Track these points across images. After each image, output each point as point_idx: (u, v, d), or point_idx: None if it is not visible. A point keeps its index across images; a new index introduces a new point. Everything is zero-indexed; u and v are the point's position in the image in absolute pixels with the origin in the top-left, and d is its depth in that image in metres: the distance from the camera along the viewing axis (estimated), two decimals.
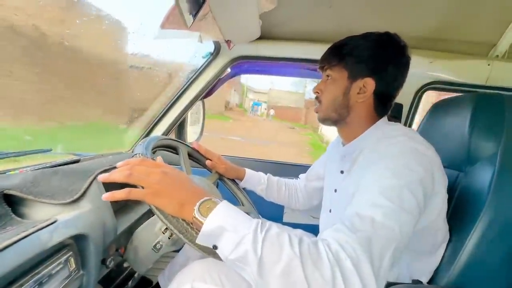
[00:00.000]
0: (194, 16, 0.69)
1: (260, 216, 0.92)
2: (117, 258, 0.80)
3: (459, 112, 0.77)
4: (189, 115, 1.36)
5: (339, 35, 0.77)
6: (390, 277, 0.65)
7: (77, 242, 0.59)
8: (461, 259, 0.62)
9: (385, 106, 0.74)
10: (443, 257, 0.66)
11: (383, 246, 0.48)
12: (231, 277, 0.69)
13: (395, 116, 1.24)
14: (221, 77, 1.28)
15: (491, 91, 1.15)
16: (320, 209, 0.92)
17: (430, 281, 0.67)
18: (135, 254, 0.82)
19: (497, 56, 1.12)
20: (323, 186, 0.92)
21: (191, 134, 1.41)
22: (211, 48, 1.22)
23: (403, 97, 1.25)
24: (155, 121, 1.29)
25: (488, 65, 1.12)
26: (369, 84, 0.70)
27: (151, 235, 0.81)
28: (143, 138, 1.14)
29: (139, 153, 0.62)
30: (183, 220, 0.50)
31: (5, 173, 0.69)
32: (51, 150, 0.91)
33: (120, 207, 0.91)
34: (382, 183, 0.55)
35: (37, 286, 0.47)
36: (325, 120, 0.77)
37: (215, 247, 0.48)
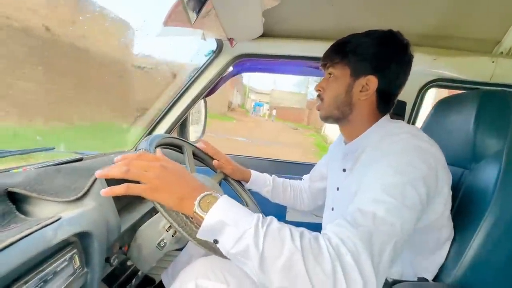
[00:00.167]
0: (197, 13, 0.69)
1: (264, 216, 0.92)
2: (121, 256, 0.80)
3: (464, 110, 0.76)
4: (191, 114, 1.35)
5: (341, 33, 0.76)
6: (395, 275, 0.64)
7: (81, 240, 0.59)
8: (467, 257, 0.62)
9: (387, 103, 0.74)
10: (448, 254, 0.66)
11: (384, 242, 0.48)
12: (234, 274, 0.69)
13: (399, 113, 1.24)
14: (223, 75, 1.28)
15: (496, 88, 1.14)
16: (323, 208, 0.92)
17: (435, 279, 0.66)
18: (138, 252, 0.82)
19: (502, 53, 1.11)
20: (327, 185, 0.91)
21: (192, 133, 1.41)
22: (213, 46, 1.22)
23: (407, 94, 1.24)
24: (158, 119, 1.29)
25: (493, 62, 1.11)
26: (372, 82, 0.69)
27: (154, 233, 0.81)
28: (146, 136, 1.14)
29: (142, 149, 0.62)
30: (183, 214, 0.50)
31: (8, 171, 0.69)
32: (54, 148, 0.91)
33: (124, 205, 0.91)
34: (385, 180, 0.55)
35: (42, 284, 0.47)
36: (327, 118, 0.77)
37: (216, 241, 0.48)
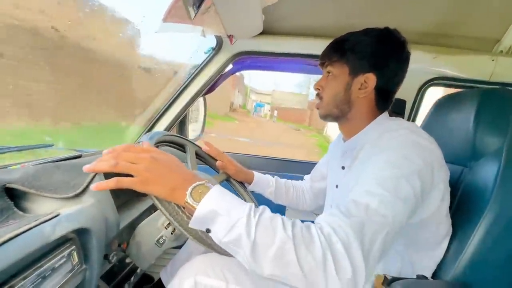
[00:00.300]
0: (197, 9, 0.69)
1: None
2: (120, 253, 0.80)
3: (464, 108, 0.76)
4: (190, 112, 1.35)
5: (341, 30, 0.76)
6: (394, 272, 0.65)
7: (80, 236, 0.58)
8: (466, 255, 0.62)
9: (386, 101, 0.74)
10: (447, 252, 0.66)
11: (375, 232, 0.49)
12: (234, 271, 0.69)
13: (398, 112, 1.23)
14: (223, 73, 1.28)
15: (495, 86, 1.14)
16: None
17: (434, 276, 0.66)
18: (137, 249, 0.82)
19: (501, 51, 1.11)
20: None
21: (190, 132, 1.40)
22: (213, 43, 1.22)
23: (406, 93, 1.24)
24: (157, 117, 1.28)
25: (492, 60, 1.11)
26: (371, 79, 0.70)
27: (153, 230, 0.81)
28: (145, 134, 1.14)
29: (142, 142, 0.62)
30: (175, 204, 0.50)
31: (6, 167, 0.69)
32: (53, 145, 0.91)
33: (123, 202, 0.91)
34: (380, 173, 0.56)
35: (40, 280, 0.47)
36: (326, 116, 0.77)
37: (208, 230, 0.48)
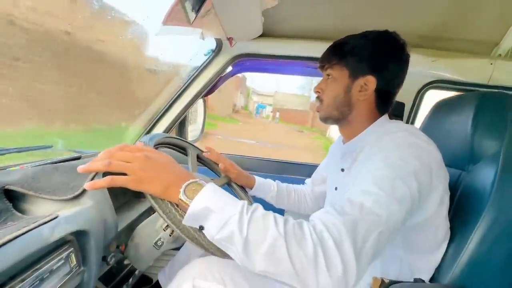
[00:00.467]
0: (197, 12, 0.69)
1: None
2: (118, 255, 0.80)
3: (462, 111, 0.77)
4: (190, 113, 1.35)
5: (341, 33, 0.77)
6: (392, 275, 0.65)
7: (78, 238, 0.58)
8: (464, 258, 0.62)
9: (386, 103, 0.74)
10: (445, 255, 0.66)
11: (368, 230, 0.49)
12: (232, 275, 0.69)
13: (397, 115, 1.24)
14: (222, 75, 1.28)
15: (494, 90, 1.14)
16: None
17: (432, 280, 0.66)
18: (136, 251, 0.82)
19: (500, 55, 1.12)
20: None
21: (189, 133, 1.40)
22: (212, 45, 1.22)
23: (405, 96, 1.24)
24: (157, 118, 1.29)
25: (491, 64, 1.11)
26: (371, 82, 0.70)
27: (152, 232, 0.81)
28: (144, 135, 1.14)
29: (142, 142, 0.62)
30: (169, 201, 0.50)
31: (5, 169, 0.69)
32: (52, 146, 0.91)
33: (121, 204, 0.91)
34: (376, 173, 0.56)
35: (38, 282, 0.47)
36: (327, 119, 0.77)
37: (201, 227, 0.48)
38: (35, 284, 0.47)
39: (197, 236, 0.49)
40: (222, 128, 13.93)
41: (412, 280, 0.63)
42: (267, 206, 1.00)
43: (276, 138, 14.72)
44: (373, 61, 0.70)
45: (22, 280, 0.44)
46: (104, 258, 0.71)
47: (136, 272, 0.98)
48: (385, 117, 0.75)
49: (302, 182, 1.13)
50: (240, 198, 0.94)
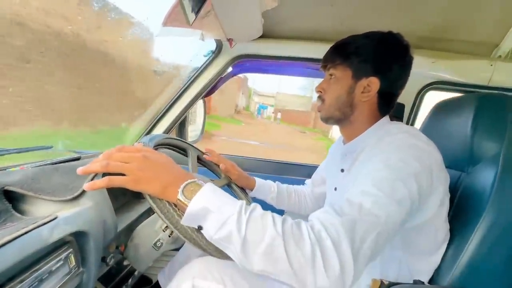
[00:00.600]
0: (196, 13, 0.69)
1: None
2: (117, 256, 0.80)
3: (462, 113, 0.76)
4: (190, 114, 1.35)
5: (341, 34, 0.76)
6: (391, 277, 0.64)
7: (78, 239, 0.58)
8: (463, 260, 0.62)
9: (388, 105, 0.74)
10: (445, 257, 0.66)
11: (366, 231, 0.49)
12: (231, 274, 0.69)
13: (397, 116, 1.24)
14: (222, 75, 1.28)
15: (494, 91, 1.14)
16: None
17: (431, 281, 0.66)
18: (135, 252, 0.82)
19: (500, 56, 1.12)
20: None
21: (189, 133, 1.40)
22: (213, 46, 1.22)
23: (405, 97, 1.24)
24: (157, 119, 1.29)
25: (491, 65, 1.11)
26: (374, 83, 0.70)
27: (151, 232, 0.81)
28: (144, 136, 1.14)
29: (142, 143, 0.62)
30: (167, 201, 0.50)
31: (5, 169, 0.69)
32: (52, 147, 0.91)
33: (121, 205, 0.91)
34: (376, 174, 0.56)
35: (37, 283, 0.47)
36: (328, 119, 0.77)
37: (200, 227, 0.48)
38: (34, 285, 0.47)
39: (195, 236, 0.50)
40: (225, 129, 13.94)
41: (411, 281, 0.63)
42: (267, 207, 1.01)
43: (279, 139, 14.71)
44: (377, 63, 0.70)
45: (21, 281, 0.44)
46: (103, 259, 0.71)
47: (136, 273, 0.98)
48: (386, 118, 0.74)
49: (302, 183, 1.13)
50: (240, 199, 0.94)
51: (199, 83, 1.25)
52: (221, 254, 0.51)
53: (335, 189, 0.80)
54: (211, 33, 1.03)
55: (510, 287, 0.62)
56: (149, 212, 0.93)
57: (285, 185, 1.06)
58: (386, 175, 0.55)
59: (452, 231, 0.67)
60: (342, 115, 0.74)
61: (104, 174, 0.51)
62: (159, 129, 1.29)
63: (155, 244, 0.80)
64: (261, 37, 1.13)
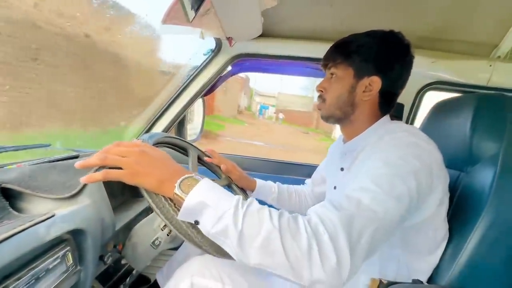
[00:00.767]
0: (196, 11, 0.69)
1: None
2: (115, 254, 0.80)
3: (461, 113, 0.76)
4: (189, 113, 1.35)
5: (341, 34, 0.76)
6: (390, 276, 0.64)
7: (75, 237, 0.58)
8: (462, 259, 0.62)
9: (389, 104, 0.74)
10: (443, 256, 0.66)
11: (364, 226, 0.49)
12: (230, 272, 0.69)
13: (397, 116, 1.23)
14: (222, 74, 1.28)
15: (493, 92, 1.15)
16: None
17: (430, 280, 0.66)
18: (133, 251, 0.82)
19: (499, 57, 1.12)
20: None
21: (188, 132, 1.39)
22: (212, 45, 1.22)
23: (405, 97, 1.24)
24: (156, 117, 1.28)
25: (490, 66, 1.11)
26: (376, 82, 0.70)
27: (149, 231, 0.81)
28: (143, 134, 1.14)
29: (141, 139, 0.62)
30: (163, 196, 0.50)
31: (2, 167, 0.69)
32: (50, 145, 0.91)
33: (119, 203, 0.90)
34: (375, 171, 0.56)
35: (34, 280, 0.47)
36: (329, 118, 0.77)
37: (196, 222, 0.49)
38: (30, 283, 0.46)
39: (190, 232, 0.49)
40: (229, 130, 13.94)
41: (410, 281, 0.63)
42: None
43: (282, 139, 14.68)
44: (379, 62, 0.69)
45: (18, 279, 0.44)
46: (101, 258, 0.71)
47: (134, 272, 0.98)
48: (387, 117, 0.74)
49: (302, 182, 1.13)
50: None
51: (199, 82, 1.25)
52: (215, 251, 0.51)
53: (335, 187, 0.80)
54: (210, 32, 1.03)
55: (509, 286, 0.62)
56: (148, 211, 0.93)
57: (285, 186, 1.06)
58: (385, 172, 0.55)
59: (451, 230, 0.67)
60: (343, 114, 0.74)
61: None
62: (158, 128, 1.29)
63: (153, 242, 0.80)
64: (260, 36, 1.13)
